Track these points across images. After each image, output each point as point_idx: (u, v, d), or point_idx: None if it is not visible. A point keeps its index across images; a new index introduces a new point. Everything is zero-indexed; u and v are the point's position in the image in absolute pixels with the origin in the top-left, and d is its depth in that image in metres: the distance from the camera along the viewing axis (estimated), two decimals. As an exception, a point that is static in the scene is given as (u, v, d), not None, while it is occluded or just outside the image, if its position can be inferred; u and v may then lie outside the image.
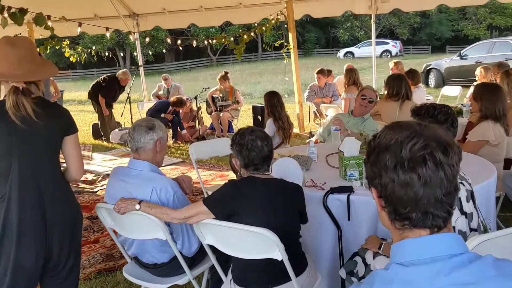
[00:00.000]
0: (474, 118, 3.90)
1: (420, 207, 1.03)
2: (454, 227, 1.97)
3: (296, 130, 8.90)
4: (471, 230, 2.08)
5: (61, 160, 2.33)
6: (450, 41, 37.36)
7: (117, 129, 9.15)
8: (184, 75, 30.83)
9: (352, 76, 7.23)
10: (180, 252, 2.43)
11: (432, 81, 15.40)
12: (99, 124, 9.13)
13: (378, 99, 4.43)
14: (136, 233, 2.44)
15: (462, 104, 5.92)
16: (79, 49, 9.82)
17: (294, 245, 2.25)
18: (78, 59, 9.82)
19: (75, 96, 20.73)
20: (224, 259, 2.39)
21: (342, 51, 35.05)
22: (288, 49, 8.55)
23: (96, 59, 9.84)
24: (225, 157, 5.08)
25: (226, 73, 9.30)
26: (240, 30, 8.49)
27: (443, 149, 1.02)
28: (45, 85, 7.49)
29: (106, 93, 8.74)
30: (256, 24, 8.60)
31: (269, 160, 2.25)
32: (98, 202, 3.22)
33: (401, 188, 1.02)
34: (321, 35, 42.78)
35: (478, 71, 6.80)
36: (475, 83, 6.12)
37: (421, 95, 6.24)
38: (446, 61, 15.29)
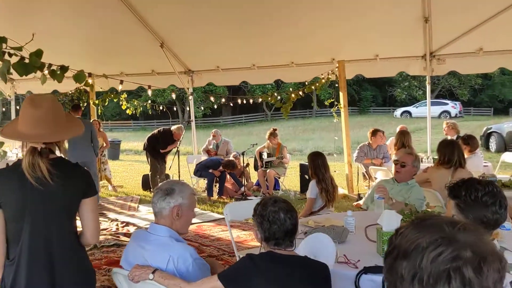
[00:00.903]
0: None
1: None
2: None
3: (344, 190, 8.63)
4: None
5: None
6: (514, 103, 35.93)
7: (165, 181, 9.22)
8: (238, 129, 31.35)
9: (402, 139, 6.95)
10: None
11: (493, 145, 14.65)
12: (150, 175, 9.26)
13: (419, 162, 4.14)
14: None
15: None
16: (135, 103, 10.18)
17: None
18: (134, 112, 10.17)
19: (132, 146, 21.50)
20: None
21: (399, 110, 34.50)
22: (338, 108, 8.44)
23: (159, 109, 10.19)
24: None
25: (275, 130, 9.31)
26: (291, 89, 8.47)
27: (476, 265, 0.80)
28: (93, 136, 7.78)
29: (163, 147, 8.95)
30: (307, 83, 8.59)
31: (292, 235, 2.07)
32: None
33: None
34: (377, 93, 42.49)
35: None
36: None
37: (477, 162, 5.85)
38: (508, 125, 14.55)
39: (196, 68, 9.59)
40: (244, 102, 9.78)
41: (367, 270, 2.33)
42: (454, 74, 31.68)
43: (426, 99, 8.80)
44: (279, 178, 9.12)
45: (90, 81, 6.53)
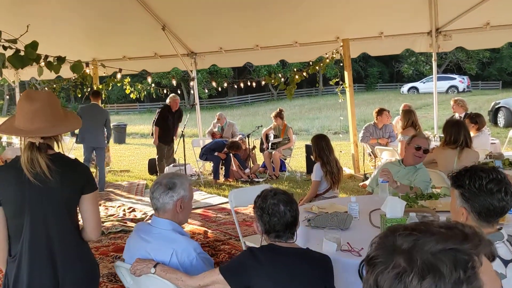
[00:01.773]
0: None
1: None
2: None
3: (350, 170, 8.60)
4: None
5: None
6: (523, 76, 35.40)
7: (171, 165, 9.25)
8: (244, 109, 31.25)
9: (410, 118, 6.85)
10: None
11: (501, 120, 14.48)
12: (156, 159, 9.27)
13: (432, 146, 4.08)
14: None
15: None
16: (139, 86, 10.14)
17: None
18: (138, 96, 10.14)
19: (138, 130, 21.51)
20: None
21: (406, 86, 34.15)
22: (343, 87, 8.34)
23: (163, 93, 10.10)
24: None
25: (281, 110, 9.25)
26: (295, 69, 8.36)
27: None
28: (107, 124, 7.79)
29: (159, 123, 8.91)
30: (311, 63, 8.48)
31: (293, 227, 2.05)
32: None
33: None
34: (384, 69, 42.06)
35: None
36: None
37: (484, 141, 5.78)
38: (517, 99, 14.37)
39: (199, 50, 9.50)
40: (249, 83, 9.69)
41: (370, 258, 2.31)
42: (462, 48, 31.22)
43: (433, 74, 8.66)
44: (285, 159, 9.10)
45: (88, 71, 6.46)
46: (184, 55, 9.40)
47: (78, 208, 2.19)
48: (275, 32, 8.29)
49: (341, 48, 8.16)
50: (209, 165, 9.61)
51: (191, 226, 5.72)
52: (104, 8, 7.32)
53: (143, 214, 6.46)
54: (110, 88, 9.87)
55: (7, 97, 13.15)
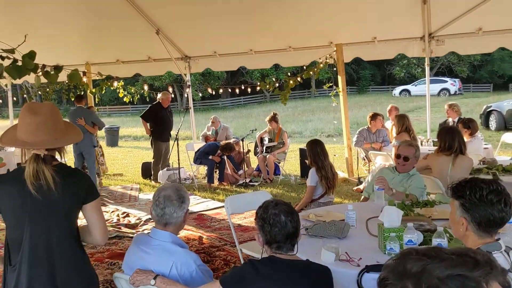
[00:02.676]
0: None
1: None
2: None
3: (344, 174, 8.63)
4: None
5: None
6: (513, 78, 35.75)
7: (165, 169, 9.23)
8: (237, 111, 31.23)
9: (404, 123, 6.90)
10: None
11: (493, 123, 14.61)
12: (152, 162, 9.25)
13: (419, 150, 4.11)
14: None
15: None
16: (132, 90, 10.10)
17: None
18: (131, 99, 10.10)
19: (131, 132, 21.41)
20: None
21: (398, 89, 34.37)
22: (337, 92, 8.38)
23: (156, 96, 10.12)
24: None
25: (275, 114, 9.28)
26: (288, 73, 8.38)
27: None
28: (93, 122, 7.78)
29: (148, 118, 9.08)
30: (305, 67, 8.50)
31: (294, 238, 2.05)
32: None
33: None
34: (376, 72, 42.27)
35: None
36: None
37: (477, 146, 5.83)
38: (508, 103, 14.48)
39: (193, 54, 9.49)
40: (243, 88, 9.71)
41: (369, 268, 2.32)
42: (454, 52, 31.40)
43: (425, 76, 8.73)
44: (279, 163, 9.12)
45: (85, 79, 6.47)
46: (178, 59, 9.39)
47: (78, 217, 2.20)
48: (268, 37, 8.30)
49: (334, 53, 8.19)
50: (203, 169, 9.60)
51: (186, 231, 5.70)
52: (98, 11, 7.30)
53: (137, 219, 6.43)
54: (103, 92, 9.82)
55: (0, 100, 12.99)
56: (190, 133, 12.52)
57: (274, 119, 9.12)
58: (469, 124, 6.13)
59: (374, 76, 42.29)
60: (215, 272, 4.24)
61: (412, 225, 2.53)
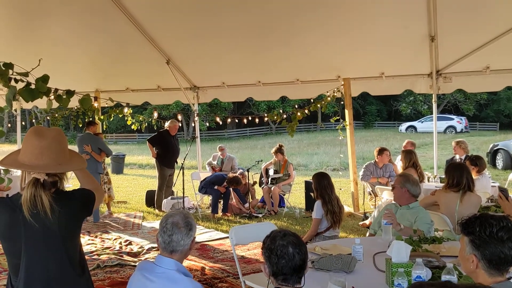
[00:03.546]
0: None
1: None
2: None
3: (350, 209, 8.54)
4: None
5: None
6: (520, 118, 35.80)
7: (169, 197, 9.20)
8: (243, 142, 31.32)
9: (412, 158, 6.86)
10: None
11: (499, 162, 14.53)
12: (157, 190, 9.22)
13: (414, 184, 4.07)
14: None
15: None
16: (140, 118, 10.18)
17: None
18: (139, 127, 10.17)
19: (137, 160, 21.44)
20: None
21: (404, 125, 34.44)
22: (344, 125, 8.40)
23: (162, 126, 10.22)
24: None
25: (281, 146, 9.27)
26: (296, 106, 8.45)
27: None
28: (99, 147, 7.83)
29: (155, 143, 9.16)
30: (312, 100, 8.57)
31: (301, 271, 2.01)
32: None
33: None
34: (382, 108, 42.49)
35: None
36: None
37: (485, 183, 5.77)
38: (515, 142, 14.46)
39: (202, 84, 9.60)
40: (250, 118, 9.77)
41: (377, 304, 2.27)
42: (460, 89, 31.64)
43: (431, 113, 8.76)
44: (284, 195, 9.06)
45: (96, 104, 6.55)
46: (187, 89, 9.50)
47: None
48: (277, 69, 8.41)
49: (342, 86, 8.26)
50: (207, 199, 9.55)
51: (188, 261, 5.61)
52: (111, 40, 7.44)
53: (140, 247, 6.35)
54: (111, 119, 9.90)
55: (9, 125, 13.11)
56: (195, 162, 12.53)
57: (280, 150, 9.12)
58: (476, 161, 6.10)
59: (380, 111, 42.48)
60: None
61: (421, 260, 2.48)
